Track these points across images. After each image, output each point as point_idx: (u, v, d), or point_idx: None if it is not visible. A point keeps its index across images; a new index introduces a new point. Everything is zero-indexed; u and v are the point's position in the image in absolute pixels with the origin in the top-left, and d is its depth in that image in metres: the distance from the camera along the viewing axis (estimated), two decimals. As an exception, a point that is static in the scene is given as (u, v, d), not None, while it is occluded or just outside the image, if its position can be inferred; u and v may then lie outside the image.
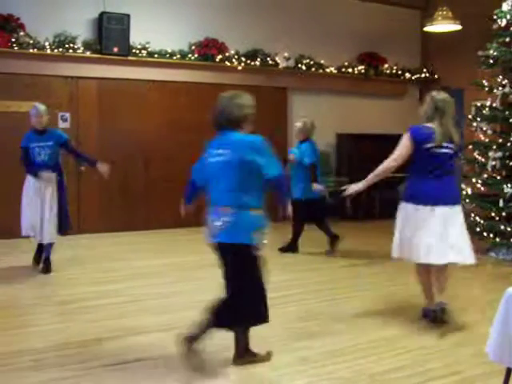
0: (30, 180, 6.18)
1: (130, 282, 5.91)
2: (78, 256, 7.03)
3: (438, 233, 4.39)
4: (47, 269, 6.14)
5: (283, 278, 6.12)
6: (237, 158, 3.62)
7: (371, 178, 4.78)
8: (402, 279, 6.12)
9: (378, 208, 10.25)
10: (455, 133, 4.58)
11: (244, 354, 3.75)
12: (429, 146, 4.48)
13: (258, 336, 4.26)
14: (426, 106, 4.70)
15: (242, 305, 3.65)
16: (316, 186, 7.19)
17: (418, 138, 4.55)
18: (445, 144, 4.50)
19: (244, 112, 3.79)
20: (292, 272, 6.45)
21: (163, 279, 6.07)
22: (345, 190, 4.81)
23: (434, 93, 4.80)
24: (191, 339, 3.60)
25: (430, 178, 4.49)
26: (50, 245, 6.20)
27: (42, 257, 6.26)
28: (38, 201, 6.09)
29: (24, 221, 6.19)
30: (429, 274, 4.59)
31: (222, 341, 3.82)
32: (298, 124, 7.56)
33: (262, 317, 3.71)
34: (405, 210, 4.56)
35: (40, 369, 3.68)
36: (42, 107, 6.28)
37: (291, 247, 7.45)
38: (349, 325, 4.59)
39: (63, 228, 6.29)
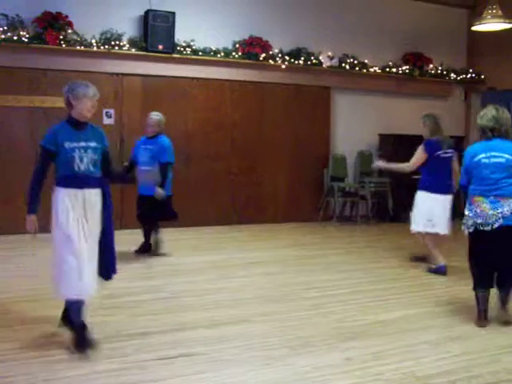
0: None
1: (171, 278, 5.96)
2: (119, 251, 7.09)
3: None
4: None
5: (325, 278, 6.11)
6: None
7: (394, 166, 7.06)
8: (445, 283, 6.05)
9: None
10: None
11: None
12: (439, 152, 6.37)
13: (303, 336, 4.27)
14: (430, 124, 6.46)
15: None
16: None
17: (431, 149, 6.38)
18: (448, 150, 6.45)
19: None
20: (335, 272, 6.40)
21: (204, 276, 6.09)
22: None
23: (430, 113, 6.65)
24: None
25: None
26: None
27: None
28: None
29: None
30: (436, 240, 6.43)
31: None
32: (157, 116, 6.87)
33: None
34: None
35: (87, 361, 3.73)
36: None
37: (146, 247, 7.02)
38: (392, 327, 4.54)
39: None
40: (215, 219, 9.22)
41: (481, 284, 4.66)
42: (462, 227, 4.72)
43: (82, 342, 3.87)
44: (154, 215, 6.83)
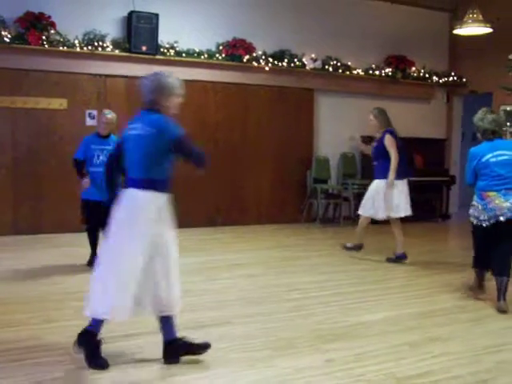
0: None
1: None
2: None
3: None
4: None
5: (308, 280, 6.13)
6: None
7: (392, 172, 6.77)
8: (426, 285, 6.10)
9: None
10: None
11: None
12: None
13: (285, 338, 4.29)
14: (382, 116, 7.00)
15: None
16: None
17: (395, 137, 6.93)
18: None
19: None
20: (318, 274, 6.43)
21: (187, 278, 6.06)
22: None
23: (379, 107, 7.21)
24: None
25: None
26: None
27: None
28: None
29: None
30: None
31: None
32: (112, 115, 6.50)
33: None
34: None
35: (68, 363, 3.71)
36: None
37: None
38: (374, 329, 4.57)
39: None
40: (199, 221, 9.21)
41: (504, 268, 5.07)
42: (474, 221, 5.13)
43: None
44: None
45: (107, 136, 6.44)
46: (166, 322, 3.80)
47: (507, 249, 5.05)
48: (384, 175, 6.79)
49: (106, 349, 3.76)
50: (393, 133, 6.93)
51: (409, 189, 6.93)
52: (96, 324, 3.69)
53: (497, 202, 4.94)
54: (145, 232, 3.63)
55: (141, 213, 3.65)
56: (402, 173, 6.80)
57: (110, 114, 6.49)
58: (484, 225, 5.03)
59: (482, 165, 5.03)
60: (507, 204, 4.92)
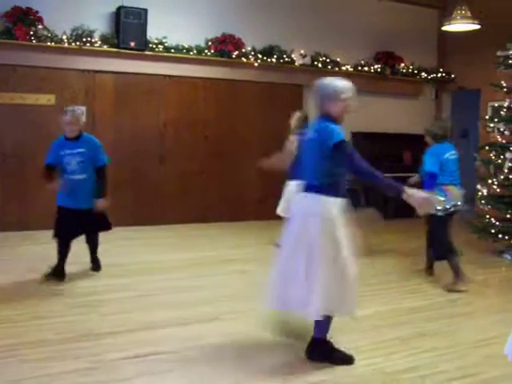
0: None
1: (143, 277, 5.92)
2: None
3: None
4: None
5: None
6: None
7: None
8: (417, 280, 6.13)
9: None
10: None
11: None
12: None
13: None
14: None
15: None
16: None
17: None
18: None
19: None
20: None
21: (177, 274, 6.08)
22: None
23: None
24: None
25: None
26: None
27: None
28: None
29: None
30: None
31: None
32: (74, 114, 5.65)
33: None
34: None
35: (55, 360, 3.70)
36: None
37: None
38: (365, 324, 4.58)
39: None
40: (189, 217, 9.19)
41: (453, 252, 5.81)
42: (439, 213, 5.62)
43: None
44: (95, 227, 5.92)
45: (77, 137, 5.64)
46: (319, 321, 3.80)
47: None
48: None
49: (91, 346, 3.73)
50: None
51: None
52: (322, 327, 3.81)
53: (454, 193, 5.78)
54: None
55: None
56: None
57: (69, 115, 5.59)
58: (445, 215, 5.70)
59: (444, 161, 5.80)
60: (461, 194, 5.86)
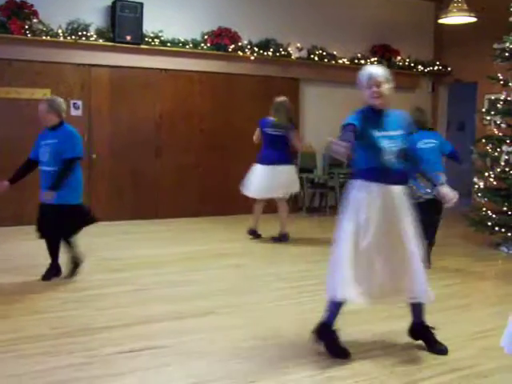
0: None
1: (140, 271, 5.92)
2: (87, 244, 7.03)
3: None
4: None
5: (295, 269, 6.14)
6: None
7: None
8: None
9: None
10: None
11: None
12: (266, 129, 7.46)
13: (270, 328, 4.29)
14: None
15: None
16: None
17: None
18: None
19: None
20: (304, 263, 6.43)
21: (173, 268, 6.07)
22: None
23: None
24: None
25: None
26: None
27: None
28: None
29: None
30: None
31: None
32: (45, 104, 5.42)
33: None
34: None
35: (50, 355, 3.69)
36: None
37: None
38: (360, 317, 4.58)
39: None
40: (185, 210, 9.19)
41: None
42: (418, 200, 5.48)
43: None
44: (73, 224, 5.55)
45: (55, 127, 5.38)
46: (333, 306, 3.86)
47: (434, 220, 5.98)
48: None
49: (86, 341, 3.73)
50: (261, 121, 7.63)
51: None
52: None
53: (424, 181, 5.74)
54: None
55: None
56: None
57: (41, 104, 5.41)
58: (422, 201, 5.68)
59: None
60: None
